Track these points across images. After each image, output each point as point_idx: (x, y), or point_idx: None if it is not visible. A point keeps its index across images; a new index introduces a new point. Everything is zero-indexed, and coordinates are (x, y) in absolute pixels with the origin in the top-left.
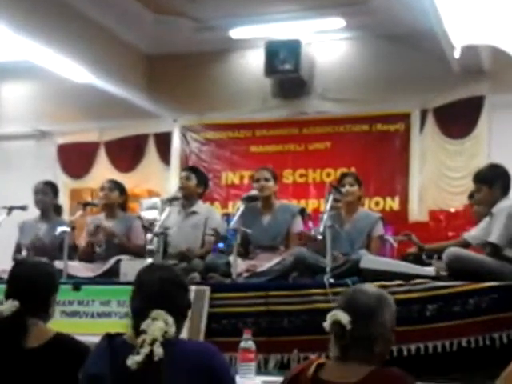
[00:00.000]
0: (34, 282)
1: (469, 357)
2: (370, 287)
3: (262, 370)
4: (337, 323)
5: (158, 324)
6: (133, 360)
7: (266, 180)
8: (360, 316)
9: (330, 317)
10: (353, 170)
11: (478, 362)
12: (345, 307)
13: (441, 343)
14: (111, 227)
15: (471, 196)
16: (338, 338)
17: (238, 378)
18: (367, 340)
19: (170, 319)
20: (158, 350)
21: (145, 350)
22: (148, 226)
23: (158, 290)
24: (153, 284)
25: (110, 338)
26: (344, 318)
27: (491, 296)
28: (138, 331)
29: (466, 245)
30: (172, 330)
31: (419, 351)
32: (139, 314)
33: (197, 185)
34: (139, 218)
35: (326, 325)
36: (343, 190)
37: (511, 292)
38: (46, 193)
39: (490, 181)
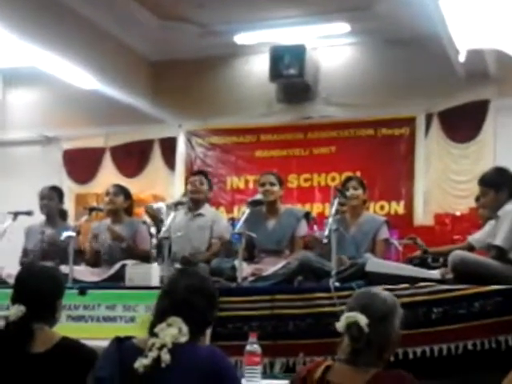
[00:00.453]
0: (41, 287)
1: (474, 360)
2: (382, 291)
3: (267, 373)
4: (355, 325)
5: (172, 330)
6: (140, 363)
7: (272, 184)
8: (377, 320)
9: (347, 318)
10: (358, 174)
11: (483, 364)
12: (362, 310)
13: (446, 346)
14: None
15: (478, 199)
16: (355, 340)
17: (243, 382)
18: (380, 344)
19: (185, 328)
20: (166, 357)
21: (152, 354)
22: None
23: (183, 299)
24: (181, 289)
25: (119, 341)
26: (363, 320)
27: (496, 299)
28: (152, 332)
29: (470, 248)
30: (183, 339)
31: (425, 354)
32: (159, 316)
33: (208, 190)
34: (145, 222)
35: (341, 325)
36: (348, 193)
37: None
38: (52, 198)
39: (497, 185)
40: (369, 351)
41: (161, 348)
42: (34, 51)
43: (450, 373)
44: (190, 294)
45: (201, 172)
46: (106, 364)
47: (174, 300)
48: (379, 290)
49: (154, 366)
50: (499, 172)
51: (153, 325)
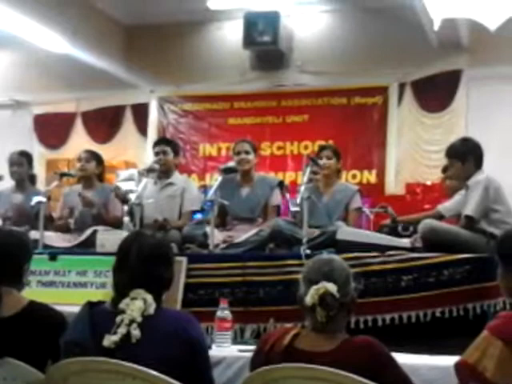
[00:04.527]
0: (8, 250)
1: (442, 327)
2: (334, 256)
3: (238, 339)
4: (329, 295)
5: (137, 304)
6: (109, 340)
7: (247, 153)
8: (342, 284)
9: (317, 290)
10: (330, 142)
11: (451, 331)
12: (327, 279)
13: (415, 313)
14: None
15: (445, 170)
16: (329, 309)
17: (214, 347)
18: (348, 307)
19: (149, 298)
20: (135, 332)
21: (122, 331)
22: (122, 197)
23: (140, 268)
24: (135, 260)
25: (90, 305)
26: (333, 288)
27: (465, 267)
28: (117, 307)
29: (439, 217)
30: (151, 308)
31: (394, 321)
32: (120, 290)
33: (174, 157)
34: (117, 189)
35: (311, 299)
36: (321, 162)
37: (485, 264)
38: (21, 164)
39: (462, 155)
40: (340, 316)
41: (130, 324)
42: (5, 14)
43: (418, 339)
44: (144, 262)
45: (163, 142)
46: (78, 328)
47: (131, 272)
48: (329, 256)
49: (124, 340)
50: (464, 143)
51: (116, 300)
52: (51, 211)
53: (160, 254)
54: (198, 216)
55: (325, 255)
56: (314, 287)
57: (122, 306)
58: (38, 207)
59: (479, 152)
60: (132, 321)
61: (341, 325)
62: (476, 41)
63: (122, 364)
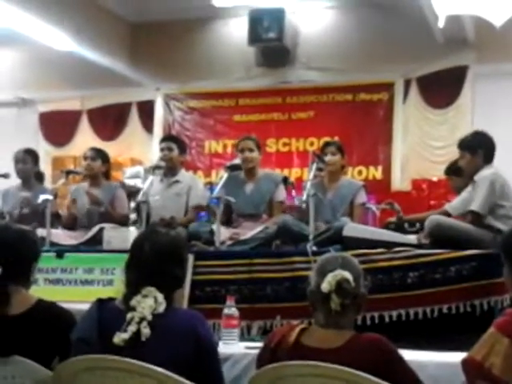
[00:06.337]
0: (16, 249)
1: (449, 323)
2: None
3: (245, 336)
4: (345, 280)
5: (148, 302)
6: (119, 338)
7: (250, 151)
8: (356, 276)
9: (334, 276)
10: (336, 139)
11: (458, 328)
12: (344, 267)
13: (422, 310)
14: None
15: (447, 172)
16: (345, 295)
17: (221, 344)
18: (359, 301)
19: (160, 296)
20: (145, 330)
21: (132, 329)
22: (129, 189)
23: (153, 265)
24: (147, 257)
25: (100, 303)
26: (349, 276)
27: (472, 264)
28: (128, 304)
29: (446, 215)
30: (161, 307)
31: (401, 318)
32: (132, 287)
33: (179, 154)
34: (123, 185)
35: (328, 286)
36: (326, 158)
37: (492, 260)
38: (26, 161)
39: (473, 148)
40: (351, 310)
41: (140, 322)
42: (10, 12)
43: (425, 336)
44: (158, 260)
45: (169, 138)
46: (87, 325)
47: (143, 269)
48: (340, 253)
49: (134, 338)
50: (476, 136)
51: (127, 297)
52: (58, 209)
53: (173, 251)
54: (203, 214)
55: (336, 253)
56: (331, 274)
57: (133, 302)
58: (45, 205)
59: (490, 146)
60: (142, 319)
61: (350, 321)
62: (482, 37)
63: (131, 362)
